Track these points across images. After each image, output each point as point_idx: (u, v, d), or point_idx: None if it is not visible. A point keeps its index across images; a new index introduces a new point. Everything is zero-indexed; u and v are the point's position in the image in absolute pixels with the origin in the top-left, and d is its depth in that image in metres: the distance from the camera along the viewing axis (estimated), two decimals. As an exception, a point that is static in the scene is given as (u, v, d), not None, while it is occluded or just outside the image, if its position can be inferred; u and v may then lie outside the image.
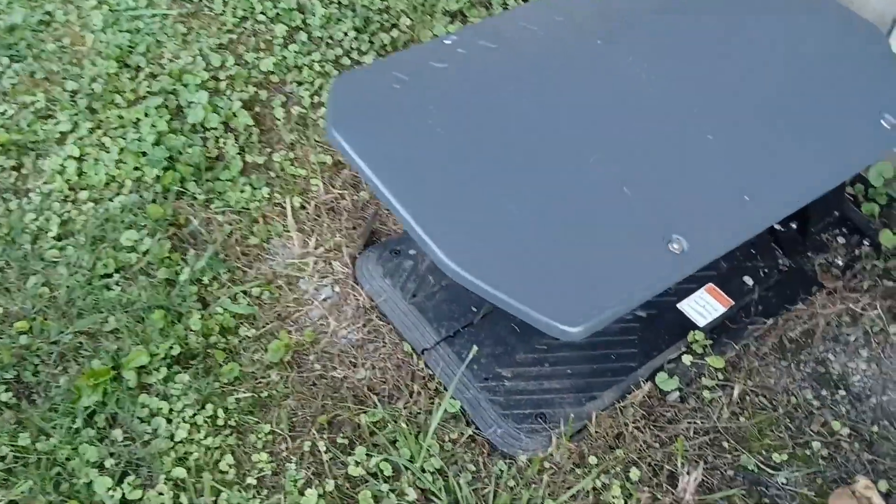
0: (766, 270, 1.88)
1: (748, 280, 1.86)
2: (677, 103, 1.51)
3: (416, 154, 1.43)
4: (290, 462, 1.58)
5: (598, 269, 1.32)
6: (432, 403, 1.70)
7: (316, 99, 2.26)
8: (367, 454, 1.59)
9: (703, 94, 1.52)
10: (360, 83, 1.58)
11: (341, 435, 1.63)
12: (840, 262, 1.90)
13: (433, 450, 1.60)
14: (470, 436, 1.65)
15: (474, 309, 1.83)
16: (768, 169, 1.43)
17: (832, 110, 1.51)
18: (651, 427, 1.66)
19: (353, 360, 1.77)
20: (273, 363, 1.73)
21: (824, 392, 1.70)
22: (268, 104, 2.24)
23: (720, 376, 1.73)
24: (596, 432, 1.65)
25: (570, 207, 1.36)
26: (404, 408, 1.68)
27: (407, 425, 1.63)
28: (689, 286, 1.85)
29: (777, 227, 1.95)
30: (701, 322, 1.79)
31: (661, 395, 1.71)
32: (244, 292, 1.84)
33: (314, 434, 1.62)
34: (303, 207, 2.04)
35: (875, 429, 1.64)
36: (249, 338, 1.77)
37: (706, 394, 1.70)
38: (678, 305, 1.82)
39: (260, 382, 1.70)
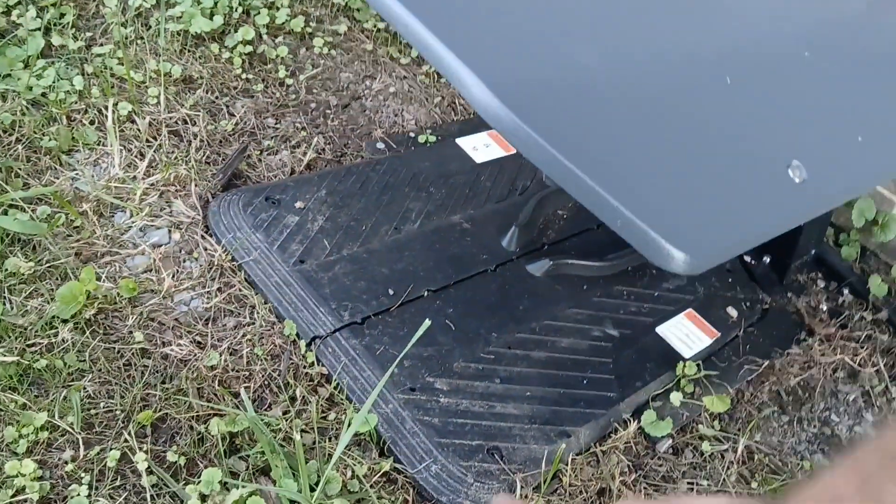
0: (748, 304, 1.48)
1: (732, 311, 1.45)
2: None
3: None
4: (80, 483, 0.86)
5: (718, 198, 0.86)
6: (324, 417, 1.05)
7: (167, -2, 1.60)
8: (221, 482, 0.90)
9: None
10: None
11: (174, 448, 0.94)
12: (824, 308, 1.54)
13: (331, 488, 0.95)
14: (386, 473, 1.02)
15: (391, 291, 1.23)
16: (878, 119, 1.08)
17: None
18: (644, 484, 1.14)
19: (199, 336, 1.08)
20: (62, 318, 1.00)
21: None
22: (95, -16, 1.55)
23: (716, 425, 1.26)
24: (572, 485, 1.09)
25: (686, 129, 0.91)
26: (284, 417, 1.02)
27: (286, 445, 0.97)
28: (665, 307, 1.40)
29: (749, 259, 1.58)
30: (686, 353, 1.33)
31: (648, 441, 1.20)
32: (19, 205, 1.11)
33: (126, 440, 0.91)
34: (131, 121, 1.35)
35: (912, 511, 1.23)
36: (22, 273, 1.03)
37: (706, 446, 1.22)
38: (657, 329, 1.35)
39: (35, 343, 0.97)
